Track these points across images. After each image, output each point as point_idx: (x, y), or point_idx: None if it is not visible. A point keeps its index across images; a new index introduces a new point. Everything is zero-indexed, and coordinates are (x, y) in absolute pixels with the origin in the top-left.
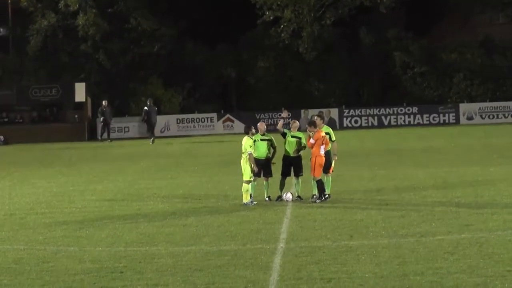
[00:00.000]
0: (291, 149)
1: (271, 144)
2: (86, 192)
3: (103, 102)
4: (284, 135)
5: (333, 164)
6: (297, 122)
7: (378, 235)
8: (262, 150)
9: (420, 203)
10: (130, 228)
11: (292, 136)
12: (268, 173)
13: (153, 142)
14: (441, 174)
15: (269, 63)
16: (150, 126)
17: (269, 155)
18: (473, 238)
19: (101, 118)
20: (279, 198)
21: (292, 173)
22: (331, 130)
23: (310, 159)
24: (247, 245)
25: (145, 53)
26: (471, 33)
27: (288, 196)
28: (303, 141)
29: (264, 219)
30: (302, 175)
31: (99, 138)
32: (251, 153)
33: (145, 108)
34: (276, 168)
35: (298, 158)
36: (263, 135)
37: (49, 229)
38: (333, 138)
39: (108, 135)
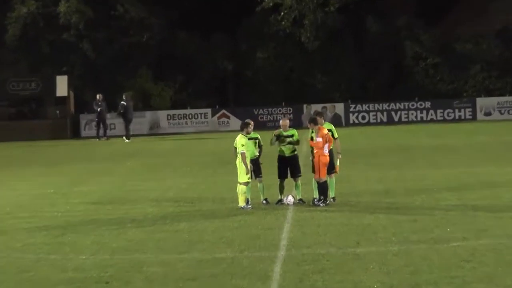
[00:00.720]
0: (285, 149)
1: (258, 143)
2: (69, 194)
3: (97, 96)
4: (279, 138)
5: (338, 163)
6: (287, 120)
7: (387, 242)
8: (251, 149)
9: (433, 207)
10: (117, 234)
11: (285, 136)
12: (259, 174)
13: (128, 138)
14: (456, 175)
15: (269, 54)
16: (127, 122)
17: (256, 154)
18: (491, 244)
19: (98, 109)
20: (280, 201)
21: (290, 175)
22: (333, 127)
23: (312, 159)
24: (245, 252)
25: (134, 43)
26: (488, 22)
27: (289, 199)
28: (296, 137)
29: (263, 224)
30: (300, 175)
31: (98, 138)
32: (243, 153)
33: (123, 102)
34: (270, 169)
35: (295, 158)
36: (249, 134)
37: (29, 235)
38: (336, 135)
39: (105, 132)
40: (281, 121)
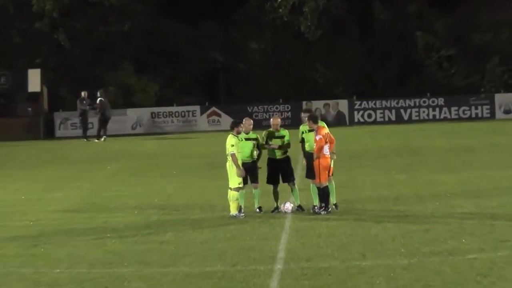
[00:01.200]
0: (276, 150)
1: (257, 145)
2: (42, 201)
3: (83, 93)
4: (272, 136)
5: (332, 165)
6: (279, 119)
7: (396, 254)
8: (246, 151)
9: (447, 215)
10: (95, 246)
11: (276, 137)
12: (255, 179)
13: (105, 139)
14: (472, 179)
15: (264, 45)
16: (104, 121)
17: (254, 157)
18: (511, 256)
19: (88, 107)
20: (276, 209)
21: (282, 180)
22: (326, 125)
23: (307, 162)
24: (238, 266)
25: (114, 32)
26: (508, 10)
27: (286, 206)
28: (287, 138)
29: (258, 234)
30: (294, 179)
31: (85, 139)
32: (233, 154)
33: (101, 99)
34: (262, 174)
35: (286, 161)
36: (247, 133)
37: None
38: None
39: (85, 132)
40: (271, 120)
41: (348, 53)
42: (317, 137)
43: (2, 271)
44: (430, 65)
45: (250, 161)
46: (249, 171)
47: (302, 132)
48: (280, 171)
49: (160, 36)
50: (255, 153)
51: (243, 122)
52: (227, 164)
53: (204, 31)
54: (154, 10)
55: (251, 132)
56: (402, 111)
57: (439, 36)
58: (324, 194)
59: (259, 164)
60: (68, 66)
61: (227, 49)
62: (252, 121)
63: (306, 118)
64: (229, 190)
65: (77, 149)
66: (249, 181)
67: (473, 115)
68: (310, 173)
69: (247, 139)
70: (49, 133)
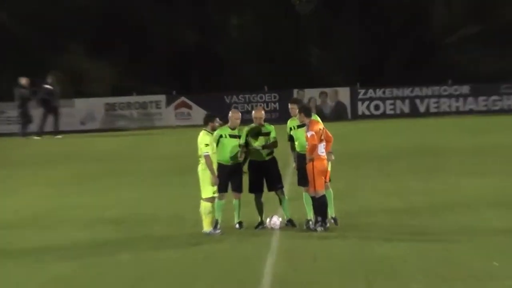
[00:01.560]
0: (262, 151)
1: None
2: None
3: (24, 80)
4: (258, 134)
5: (329, 168)
6: (262, 111)
7: (409, 279)
8: (229, 151)
9: (472, 230)
10: (37, 268)
11: (261, 134)
12: (238, 187)
13: (63, 136)
14: (503, 187)
15: (247, 22)
16: (52, 112)
17: (240, 159)
18: None
19: (22, 98)
20: (260, 225)
21: (268, 187)
22: (319, 119)
23: (297, 166)
24: None
25: (64, 8)
26: None
27: (274, 221)
28: (273, 135)
29: (238, 255)
30: (282, 187)
31: (23, 136)
32: (207, 155)
33: (48, 86)
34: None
35: (272, 162)
36: (233, 129)
37: None
38: None
39: (24, 127)
40: (253, 112)
41: (349, 32)
42: (309, 134)
43: None
44: (450, 46)
45: (232, 164)
46: (230, 176)
47: (290, 129)
48: (265, 176)
49: (118, 10)
50: (240, 153)
51: (230, 115)
52: (199, 167)
53: (174, 5)
54: None
55: (237, 129)
56: (417, 101)
57: (460, 11)
58: (320, 205)
59: (244, 168)
60: (9, 48)
61: (202, 27)
62: (240, 114)
63: (297, 111)
64: (201, 200)
65: (14, 149)
66: (228, 189)
67: (505, 107)
68: (303, 179)
69: (232, 136)
70: None
